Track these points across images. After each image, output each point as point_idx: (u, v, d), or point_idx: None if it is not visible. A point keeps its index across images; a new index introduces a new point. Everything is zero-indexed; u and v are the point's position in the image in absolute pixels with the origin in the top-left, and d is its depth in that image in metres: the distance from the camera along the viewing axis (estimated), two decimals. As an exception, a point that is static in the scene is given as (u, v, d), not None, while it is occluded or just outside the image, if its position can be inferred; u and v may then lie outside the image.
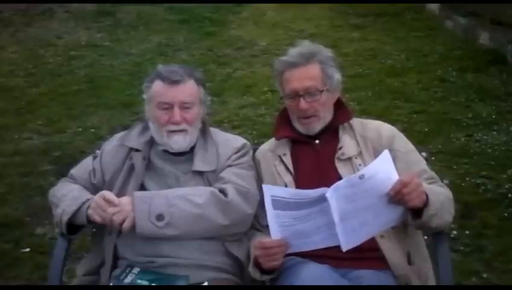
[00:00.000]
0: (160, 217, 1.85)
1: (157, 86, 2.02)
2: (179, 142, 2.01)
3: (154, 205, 1.87)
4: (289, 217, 1.68)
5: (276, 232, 1.72)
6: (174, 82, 1.99)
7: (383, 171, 1.66)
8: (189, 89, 2.02)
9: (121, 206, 1.86)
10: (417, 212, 1.75)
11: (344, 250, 1.69)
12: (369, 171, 1.63)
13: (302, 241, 1.73)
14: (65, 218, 1.94)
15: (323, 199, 1.62)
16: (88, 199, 1.95)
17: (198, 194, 1.91)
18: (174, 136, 2.00)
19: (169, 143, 2.01)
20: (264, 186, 1.72)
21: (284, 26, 7.69)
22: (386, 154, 1.68)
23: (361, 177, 1.62)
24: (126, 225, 1.85)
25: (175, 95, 1.99)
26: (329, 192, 1.61)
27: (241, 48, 7.05)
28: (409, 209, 1.74)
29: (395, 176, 1.67)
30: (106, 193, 1.91)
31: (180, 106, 1.99)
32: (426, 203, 1.73)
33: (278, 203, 1.68)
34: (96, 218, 1.89)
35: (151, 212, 1.86)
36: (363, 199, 1.65)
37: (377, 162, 1.67)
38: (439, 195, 1.81)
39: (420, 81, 5.64)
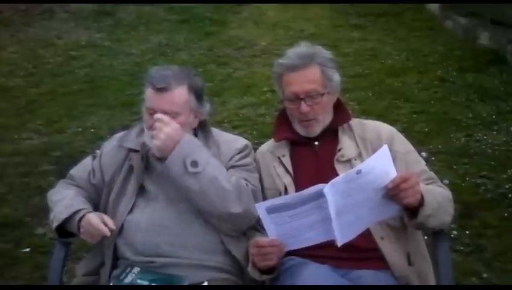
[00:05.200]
0: (194, 164, 1.87)
1: (148, 90, 2.00)
2: None
3: (197, 152, 1.90)
4: (285, 216, 1.68)
5: (271, 231, 1.71)
6: (160, 89, 1.95)
7: (381, 166, 1.65)
8: (175, 98, 1.97)
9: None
10: (413, 212, 1.75)
11: (339, 245, 1.68)
12: (366, 166, 1.63)
13: (297, 239, 1.73)
14: (55, 224, 1.96)
15: (320, 194, 1.62)
16: (80, 209, 1.95)
17: (230, 175, 1.96)
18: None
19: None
20: (256, 205, 1.72)
21: (284, 26, 7.67)
22: (384, 149, 1.67)
23: (359, 172, 1.62)
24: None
25: (159, 103, 1.96)
26: (327, 188, 1.61)
27: (241, 48, 7.03)
28: (404, 209, 1.74)
29: (392, 171, 1.67)
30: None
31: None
32: (421, 203, 1.73)
33: (273, 209, 1.68)
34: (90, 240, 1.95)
35: (189, 156, 1.88)
36: (360, 194, 1.65)
37: (375, 157, 1.66)
38: (437, 195, 1.81)
39: (420, 81, 5.63)
